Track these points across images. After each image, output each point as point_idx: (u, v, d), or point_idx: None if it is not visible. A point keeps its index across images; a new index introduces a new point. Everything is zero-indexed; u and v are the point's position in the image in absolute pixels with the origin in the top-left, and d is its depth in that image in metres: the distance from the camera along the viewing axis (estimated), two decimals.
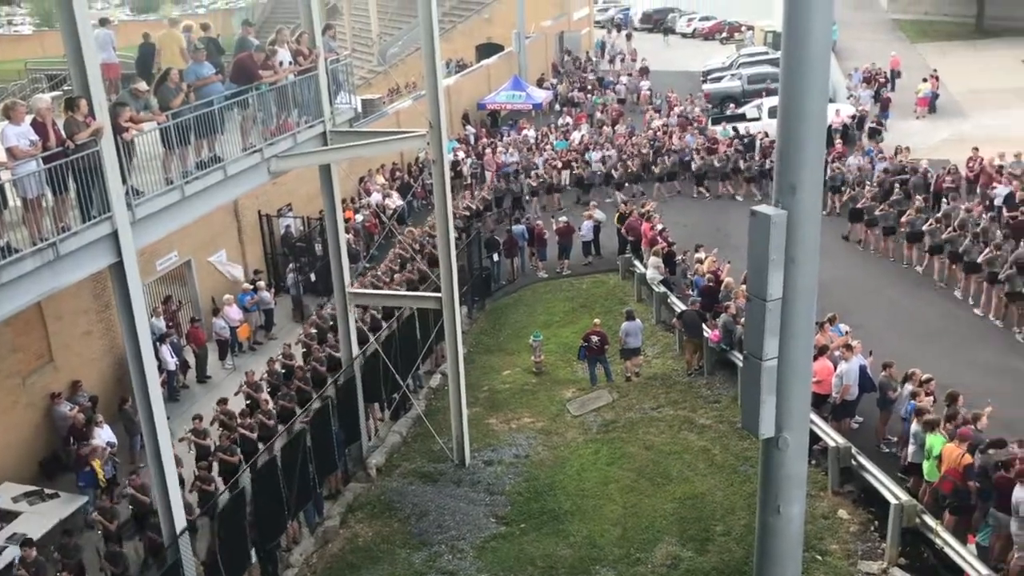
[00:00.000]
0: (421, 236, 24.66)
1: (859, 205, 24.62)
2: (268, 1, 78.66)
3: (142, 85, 12.30)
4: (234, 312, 21.57)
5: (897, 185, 25.11)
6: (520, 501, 15.91)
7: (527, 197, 30.04)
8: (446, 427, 17.67)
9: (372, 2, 55.06)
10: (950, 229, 21.23)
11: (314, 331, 20.07)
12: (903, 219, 23.04)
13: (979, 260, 19.80)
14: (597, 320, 20.43)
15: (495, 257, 25.86)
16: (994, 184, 24.24)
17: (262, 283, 23.20)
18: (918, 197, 24.20)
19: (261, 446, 15.61)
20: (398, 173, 32.49)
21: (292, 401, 17.06)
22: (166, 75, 12.71)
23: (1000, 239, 20.29)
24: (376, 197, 28.98)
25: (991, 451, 12.34)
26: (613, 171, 30.67)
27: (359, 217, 27.19)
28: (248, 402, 17.22)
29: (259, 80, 13.95)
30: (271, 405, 16.96)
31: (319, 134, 15.63)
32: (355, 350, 17.54)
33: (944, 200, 24.21)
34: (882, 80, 38.27)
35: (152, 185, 11.89)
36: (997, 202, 23.41)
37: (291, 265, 24.55)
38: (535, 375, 20.59)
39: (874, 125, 32.92)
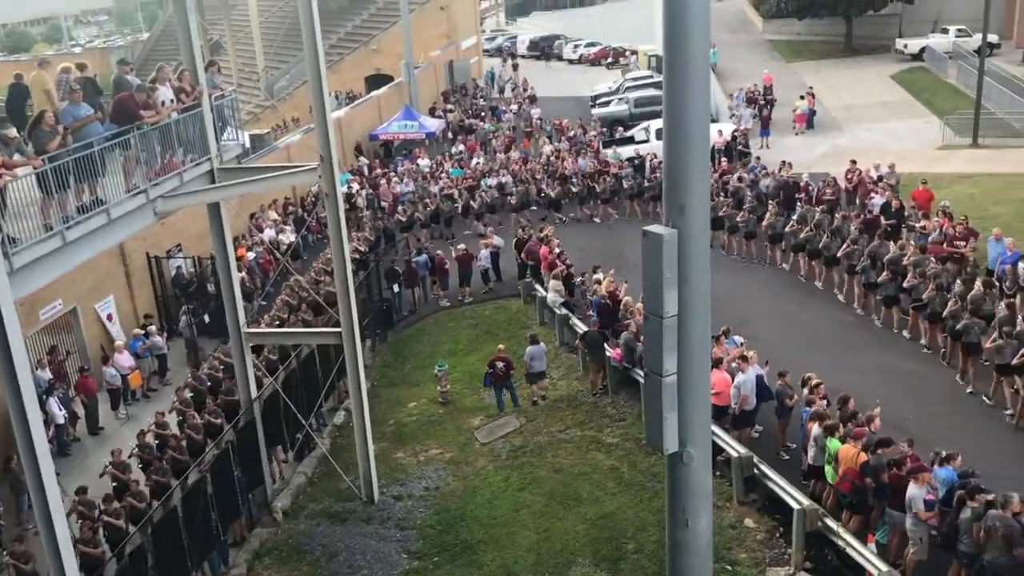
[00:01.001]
0: (309, 282, 23.94)
1: (720, 214, 25.61)
2: (148, 38, 76.89)
3: (11, 131, 11.73)
4: (125, 359, 20.82)
5: (749, 193, 26.68)
6: (432, 534, 15.73)
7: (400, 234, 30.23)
8: (353, 464, 17.36)
9: (257, 36, 54.36)
10: (807, 229, 22.95)
11: (190, 395, 18.60)
12: (763, 223, 24.67)
13: (838, 255, 21.56)
14: (501, 346, 20.43)
15: (396, 288, 25.66)
16: (871, 194, 25.44)
17: (153, 327, 22.46)
18: (771, 202, 25.51)
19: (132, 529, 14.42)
20: (291, 208, 31.98)
21: (167, 475, 15.87)
22: (40, 118, 12.21)
23: (856, 234, 21.76)
24: (269, 233, 28.44)
25: (880, 451, 12.82)
26: (472, 202, 31.00)
27: (251, 255, 26.64)
28: (115, 484, 16.02)
29: (140, 120, 13.55)
30: (143, 484, 15.70)
31: (206, 172, 15.25)
32: (253, 392, 17.08)
33: (799, 204, 25.62)
34: (762, 102, 39.68)
35: (30, 232, 11.37)
36: (875, 211, 24.53)
37: (184, 307, 23.84)
38: (441, 405, 20.45)
39: (742, 147, 34.09)
